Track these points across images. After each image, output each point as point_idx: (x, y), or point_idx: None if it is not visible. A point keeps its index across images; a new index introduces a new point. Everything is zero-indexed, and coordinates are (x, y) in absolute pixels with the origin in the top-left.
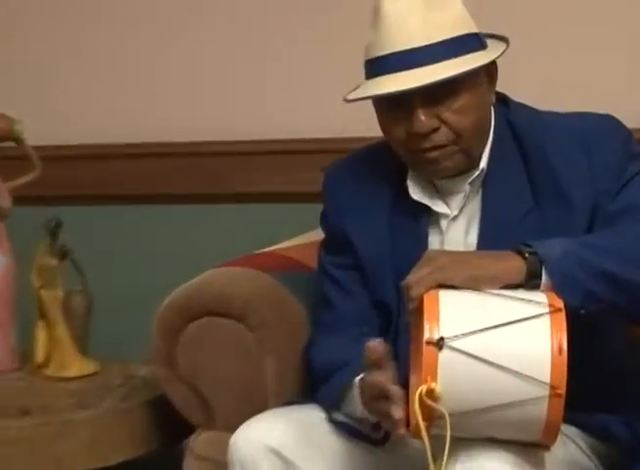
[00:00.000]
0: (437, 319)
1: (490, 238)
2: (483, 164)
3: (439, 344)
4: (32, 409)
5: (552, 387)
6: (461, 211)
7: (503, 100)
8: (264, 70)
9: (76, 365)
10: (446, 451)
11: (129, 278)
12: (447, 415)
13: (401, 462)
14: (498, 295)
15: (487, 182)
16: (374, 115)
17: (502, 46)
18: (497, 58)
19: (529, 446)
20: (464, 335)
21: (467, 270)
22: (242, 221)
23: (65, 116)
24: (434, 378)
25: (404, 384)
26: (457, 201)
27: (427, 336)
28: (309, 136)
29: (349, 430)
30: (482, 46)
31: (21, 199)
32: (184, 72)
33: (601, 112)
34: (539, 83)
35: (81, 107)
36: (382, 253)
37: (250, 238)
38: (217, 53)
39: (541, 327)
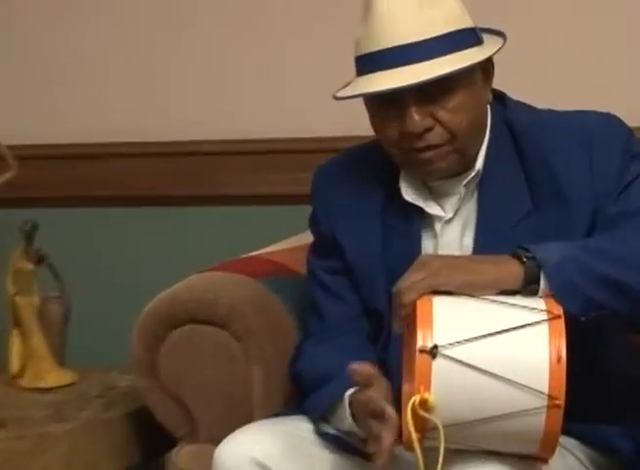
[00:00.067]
0: (431, 326)
1: (487, 242)
2: (479, 164)
3: (433, 352)
4: (7, 422)
5: (550, 397)
6: (456, 213)
7: (500, 98)
8: (253, 68)
9: (53, 375)
10: (440, 464)
11: (108, 284)
12: (441, 426)
13: None
14: (494, 301)
15: (483, 183)
16: (366, 112)
17: (499, 42)
18: (494, 54)
19: (527, 459)
20: (458, 343)
21: (462, 275)
22: (228, 224)
23: (41, 114)
24: (428, 388)
25: (397, 394)
26: (452, 203)
27: (420, 344)
28: (298, 135)
29: (339, 442)
30: (479, 42)
31: None
32: (169, 70)
33: (602, 110)
34: (537, 81)
35: (59, 105)
36: (373, 257)
37: (236, 242)
38: (205, 51)
39: (539, 335)
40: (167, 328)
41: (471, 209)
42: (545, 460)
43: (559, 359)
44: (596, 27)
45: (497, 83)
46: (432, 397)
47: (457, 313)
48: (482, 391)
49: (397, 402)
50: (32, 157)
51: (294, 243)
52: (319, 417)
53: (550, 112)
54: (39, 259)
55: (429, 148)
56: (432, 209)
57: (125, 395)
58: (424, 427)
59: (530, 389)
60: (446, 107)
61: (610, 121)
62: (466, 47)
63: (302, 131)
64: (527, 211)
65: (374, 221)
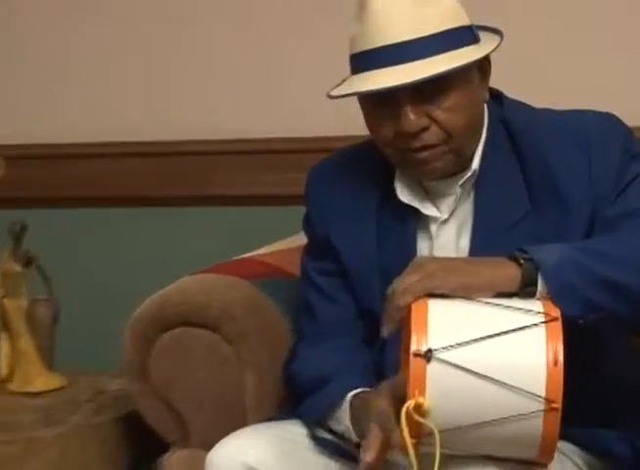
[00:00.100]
0: (426, 330)
1: (483, 243)
2: (476, 164)
3: (428, 356)
4: None
5: (547, 400)
6: (452, 214)
7: (497, 96)
8: (246, 67)
9: (42, 379)
10: None
11: (98, 286)
12: (436, 432)
13: None
14: (491, 304)
15: (480, 184)
16: (361, 111)
17: (496, 40)
18: (491, 52)
19: (524, 465)
20: (454, 346)
21: (458, 278)
22: (220, 225)
23: (30, 114)
24: (422, 392)
25: None
26: (448, 203)
27: (414, 347)
28: (293, 135)
29: (333, 447)
30: (475, 40)
31: None
32: (163, 69)
33: (601, 110)
34: (535, 80)
35: (47, 105)
36: (368, 259)
37: (229, 243)
38: (199, 50)
39: (536, 337)
40: (158, 331)
41: (467, 209)
42: (544, 465)
43: (556, 362)
44: (595, 27)
45: (494, 82)
46: (426, 401)
47: (452, 316)
48: (478, 395)
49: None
50: (20, 156)
51: (287, 244)
52: (315, 421)
53: (548, 111)
54: (28, 261)
55: (424, 148)
56: (427, 209)
57: (116, 399)
58: (419, 432)
59: (527, 392)
60: (442, 106)
61: (608, 121)
62: (462, 45)
63: (297, 131)
64: (525, 213)
65: (369, 222)
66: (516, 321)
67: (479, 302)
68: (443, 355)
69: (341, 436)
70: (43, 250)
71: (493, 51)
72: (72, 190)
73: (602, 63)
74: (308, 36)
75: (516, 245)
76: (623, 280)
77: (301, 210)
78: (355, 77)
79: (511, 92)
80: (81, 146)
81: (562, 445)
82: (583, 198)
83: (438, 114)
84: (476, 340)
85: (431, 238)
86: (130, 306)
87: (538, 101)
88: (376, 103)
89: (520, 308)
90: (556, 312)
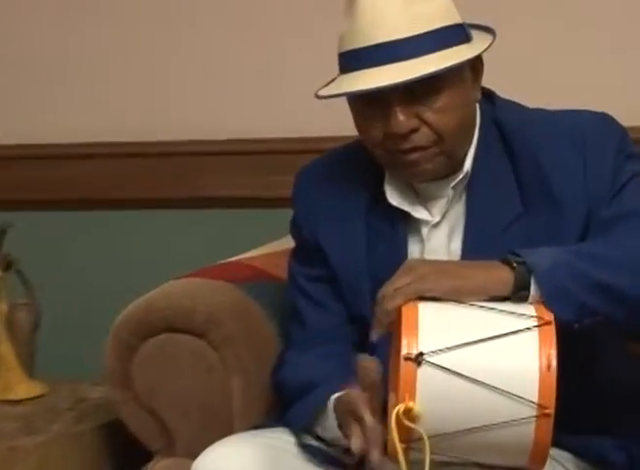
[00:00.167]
0: (416, 333)
1: (475, 246)
2: (467, 166)
3: (418, 359)
4: None
5: (540, 406)
6: (443, 216)
7: (489, 96)
8: (233, 67)
9: (22, 387)
10: None
11: (80, 291)
12: (426, 437)
13: None
14: (483, 307)
15: (472, 186)
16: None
17: (488, 38)
18: (483, 51)
19: None
20: (445, 350)
21: (449, 281)
22: (206, 228)
23: (11, 114)
24: (413, 396)
25: (383, 404)
26: (439, 206)
27: (404, 351)
28: (282, 135)
29: (322, 455)
30: (467, 38)
31: None
32: (149, 68)
33: (596, 109)
34: (529, 79)
35: (31, 105)
36: (357, 263)
37: (214, 246)
38: (186, 50)
39: (529, 341)
40: (142, 337)
41: (459, 212)
42: None
43: (549, 367)
44: (589, 26)
45: (487, 82)
46: (416, 406)
47: (444, 320)
48: (470, 400)
49: (384, 412)
50: (5, 158)
51: (274, 248)
52: (302, 427)
53: (541, 111)
54: (7, 265)
55: (414, 149)
56: (418, 212)
57: (97, 407)
58: (409, 437)
59: (519, 398)
60: (433, 107)
61: (603, 121)
62: (454, 44)
63: (286, 131)
64: (518, 214)
65: (358, 225)
66: (508, 325)
67: (471, 305)
68: (434, 359)
69: (329, 443)
70: (23, 253)
71: (486, 50)
72: (53, 192)
73: (596, 62)
74: (307, 36)
75: (508, 247)
76: (618, 283)
77: (290, 212)
78: (345, 77)
79: (504, 92)
80: (61, 147)
81: (555, 452)
82: (578, 198)
83: (429, 115)
84: (467, 344)
85: (422, 241)
86: (113, 311)
87: (532, 101)
88: (365, 103)
89: (512, 312)
90: (549, 316)
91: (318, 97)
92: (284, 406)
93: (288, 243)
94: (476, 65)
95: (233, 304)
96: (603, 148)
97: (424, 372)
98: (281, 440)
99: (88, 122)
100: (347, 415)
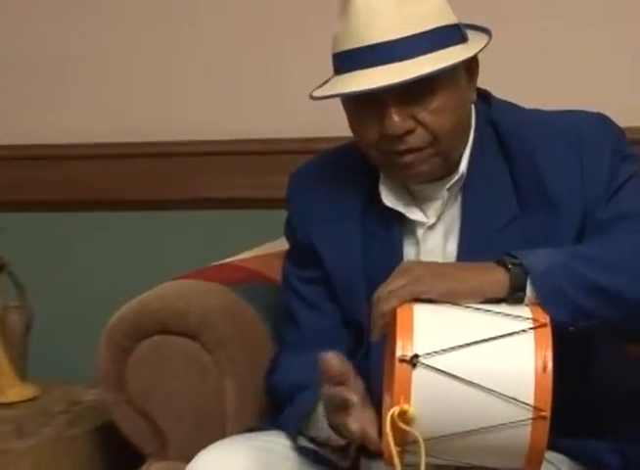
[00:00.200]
0: (411, 335)
1: (471, 248)
2: (463, 167)
3: (413, 361)
4: None
5: (536, 409)
6: (439, 218)
7: (485, 97)
8: (229, 67)
9: (14, 390)
10: None
11: (73, 293)
12: (421, 440)
13: None
14: (478, 309)
15: (468, 187)
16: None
17: (484, 39)
18: (479, 52)
19: None
20: (440, 352)
21: (445, 282)
22: (199, 230)
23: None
24: (408, 399)
25: (378, 407)
26: (435, 208)
27: (399, 353)
28: (276, 136)
29: (315, 457)
30: (463, 39)
31: None
32: (142, 67)
33: (592, 110)
34: (524, 79)
35: (30, 105)
36: (352, 265)
37: (208, 248)
38: (180, 49)
39: (524, 343)
40: (136, 339)
41: (454, 213)
42: None
43: (545, 369)
44: (586, 27)
45: (482, 82)
46: (412, 408)
47: (439, 322)
48: (465, 402)
49: (378, 415)
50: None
51: (268, 249)
52: (295, 429)
53: (537, 111)
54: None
55: (410, 151)
56: (413, 214)
57: (90, 409)
58: (404, 440)
59: (515, 400)
60: (428, 108)
61: (600, 121)
62: (449, 45)
63: (280, 132)
64: (514, 216)
65: (353, 226)
66: (504, 327)
67: (466, 307)
68: (429, 361)
69: (322, 444)
70: (14, 255)
71: (481, 50)
72: (45, 193)
73: (593, 63)
74: (305, 37)
75: (504, 249)
76: (615, 286)
77: (283, 214)
78: (339, 78)
79: (500, 92)
80: (54, 147)
81: (550, 454)
82: (574, 198)
83: (424, 116)
84: (462, 346)
85: (417, 243)
86: (106, 314)
87: (528, 101)
88: (360, 104)
89: (508, 314)
90: (545, 318)
91: (312, 98)
92: (277, 409)
93: (282, 244)
94: (471, 65)
95: (226, 306)
96: (599, 149)
97: (419, 374)
98: (275, 443)
99: (88, 123)
100: (334, 410)
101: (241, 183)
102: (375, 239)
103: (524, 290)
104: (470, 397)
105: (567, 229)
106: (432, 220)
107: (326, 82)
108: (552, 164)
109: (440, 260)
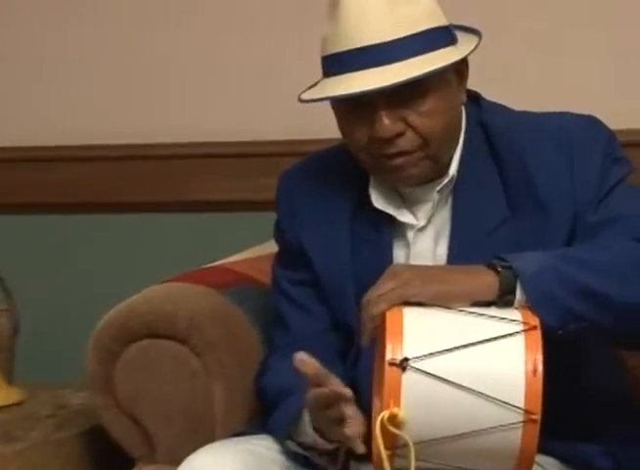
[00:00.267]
0: (401, 339)
1: (461, 250)
2: (453, 170)
3: (403, 365)
4: None
5: (526, 412)
6: (429, 221)
7: (475, 99)
8: (219, 68)
9: (1, 394)
10: None
11: (60, 296)
12: (411, 443)
13: None
14: (468, 312)
15: (458, 190)
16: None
17: (474, 40)
18: (469, 54)
19: None
20: (430, 355)
21: (434, 286)
22: (187, 232)
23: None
24: (398, 402)
25: (367, 411)
26: (425, 210)
27: (389, 356)
28: (264, 138)
29: (305, 461)
30: (453, 41)
31: None
32: (133, 68)
33: (583, 112)
34: (515, 81)
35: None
36: (342, 267)
37: (196, 251)
38: (172, 50)
39: (514, 346)
40: (124, 342)
41: (445, 216)
42: None
43: (535, 372)
44: (577, 28)
45: (472, 84)
46: (401, 411)
47: (428, 325)
48: (455, 405)
49: (368, 420)
50: None
51: (257, 252)
52: (283, 433)
53: (527, 113)
54: None
55: (400, 154)
56: (403, 217)
57: (78, 413)
58: (394, 444)
59: (505, 403)
60: (418, 110)
61: (590, 123)
62: (439, 47)
63: (267, 134)
64: (504, 218)
65: (342, 229)
66: (494, 330)
67: (456, 310)
68: (419, 365)
69: (310, 448)
70: (3, 257)
71: (472, 52)
72: (33, 196)
73: (583, 64)
74: (295, 40)
75: (494, 251)
76: (604, 289)
77: (273, 216)
78: (328, 80)
79: (490, 94)
80: (41, 149)
81: (541, 458)
82: (564, 201)
83: (414, 118)
84: (452, 349)
85: (407, 245)
86: (94, 317)
87: (517, 103)
88: (349, 107)
89: (498, 317)
90: (535, 321)
91: (301, 101)
92: (266, 412)
93: (272, 247)
94: (461, 67)
95: (215, 309)
96: (590, 151)
97: (408, 378)
98: (264, 447)
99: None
100: (317, 411)
101: (230, 186)
102: (364, 241)
103: (513, 293)
104: (460, 400)
105: (557, 231)
106: (422, 223)
107: (315, 85)
108: (542, 165)
109: (430, 263)
